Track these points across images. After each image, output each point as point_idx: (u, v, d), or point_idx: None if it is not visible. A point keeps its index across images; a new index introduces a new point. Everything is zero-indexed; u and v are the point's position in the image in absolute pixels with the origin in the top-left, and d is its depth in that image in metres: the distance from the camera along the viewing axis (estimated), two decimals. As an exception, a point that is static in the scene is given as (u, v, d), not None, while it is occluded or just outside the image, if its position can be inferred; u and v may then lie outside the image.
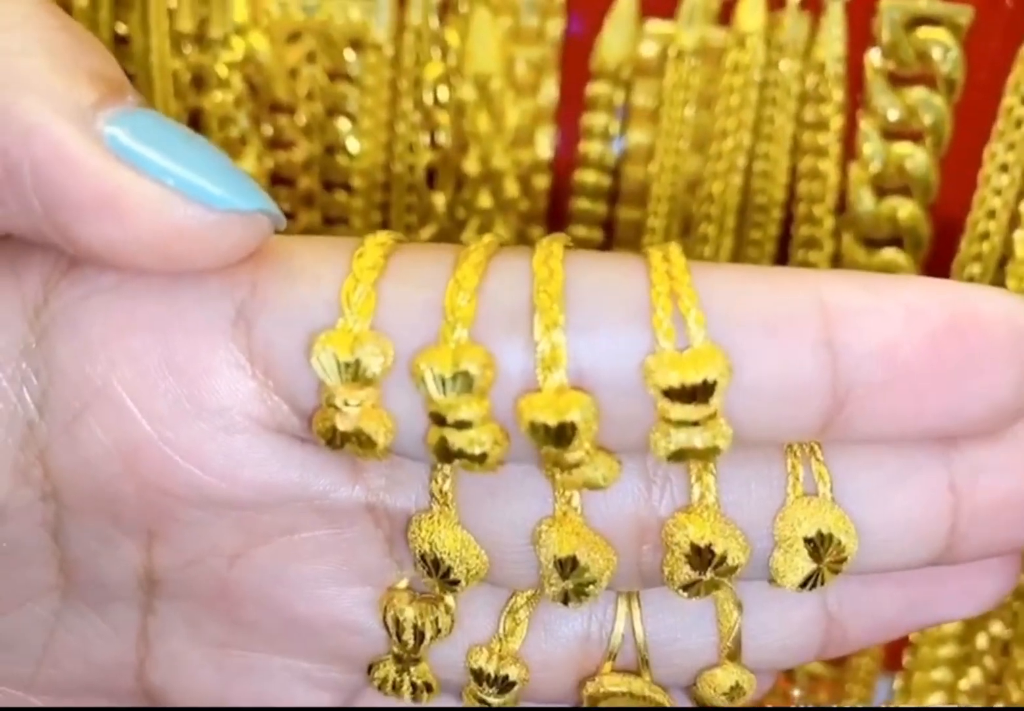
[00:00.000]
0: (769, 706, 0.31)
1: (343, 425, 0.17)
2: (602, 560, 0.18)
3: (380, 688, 0.20)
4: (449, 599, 0.19)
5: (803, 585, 0.18)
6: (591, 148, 0.26)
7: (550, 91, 0.25)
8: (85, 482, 0.18)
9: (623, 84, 0.25)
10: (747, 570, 0.18)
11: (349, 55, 0.26)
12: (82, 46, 0.17)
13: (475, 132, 0.26)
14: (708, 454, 0.17)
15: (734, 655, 0.20)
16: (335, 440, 0.17)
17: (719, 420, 0.16)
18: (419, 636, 0.19)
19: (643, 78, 0.25)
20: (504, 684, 0.20)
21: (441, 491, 0.18)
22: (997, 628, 0.29)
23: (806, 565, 0.18)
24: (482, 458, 0.17)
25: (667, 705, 0.20)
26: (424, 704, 0.20)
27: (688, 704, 0.21)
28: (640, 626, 0.20)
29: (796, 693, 0.31)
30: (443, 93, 0.26)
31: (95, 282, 0.18)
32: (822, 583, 0.18)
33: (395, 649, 0.19)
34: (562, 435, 0.16)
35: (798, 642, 0.20)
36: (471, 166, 0.26)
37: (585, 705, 0.20)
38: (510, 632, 0.19)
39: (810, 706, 0.31)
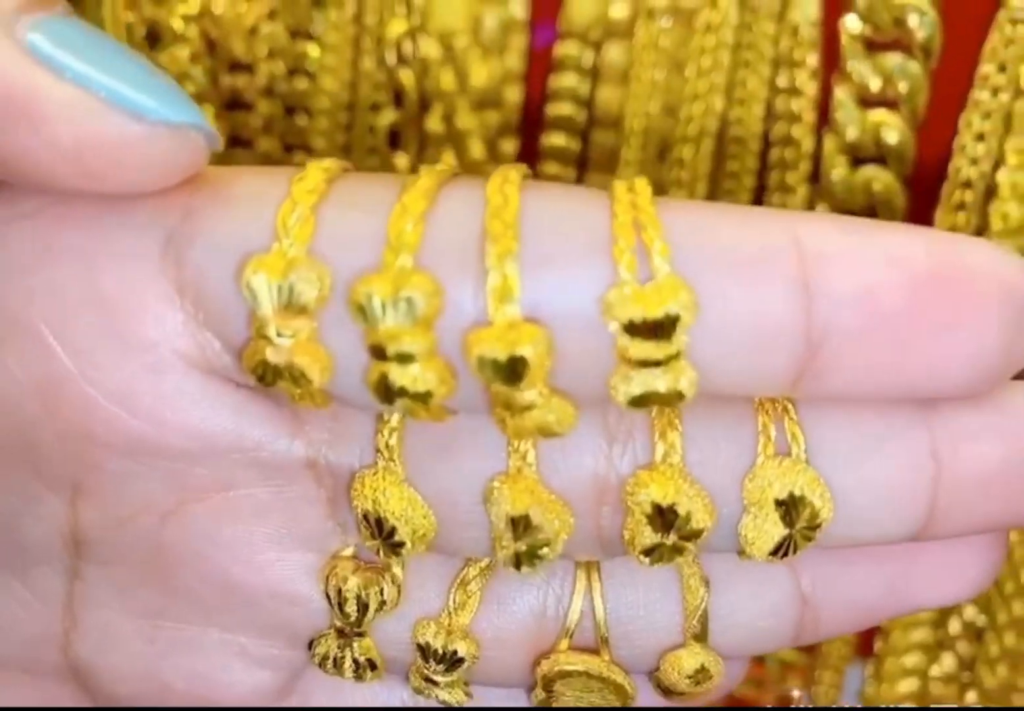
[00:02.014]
0: (769, 706, 0.31)
1: (275, 358, 0.16)
2: (557, 521, 0.17)
3: (321, 665, 0.19)
4: (396, 569, 0.18)
5: (774, 553, 0.17)
6: (559, 110, 0.25)
7: (518, 52, 0.25)
8: (2, 426, 0.17)
9: (592, 45, 0.25)
10: (715, 538, 0.17)
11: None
12: None
13: (439, 91, 0.25)
14: (671, 399, 0.16)
15: (700, 636, 0.19)
16: (266, 376, 0.16)
17: (683, 362, 0.15)
18: (363, 607, 0.18)
19: (613, 39, 0.25)
20: (452, 660, 0.19)
21: (387, 445, 0.17)
22: (970, 613, 0.29)
23: (777, 530, 0.17)
24: (426, 397, 0.15)
25: (627, 686, 0.19)
26: (368, 681, 0.19)
27: (652, 696, 0.20)
28: (600, 601, 0.19)
29: (796, 693, 0.30)
30: (407, 50, 0.25)
31: (15, 207, 0.17)
32: (794, 551, 0.18)
33: (337, 622, 0.18)
34: (513, 371, 0.15)
35: (770, 625, 0.19)
36: (434, 125, 0.25)
37: (539, 684, 0.19)
38: (460, 605, 0.18)
39: (810, 706, 0.30)
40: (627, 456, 0.17)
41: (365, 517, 0.18)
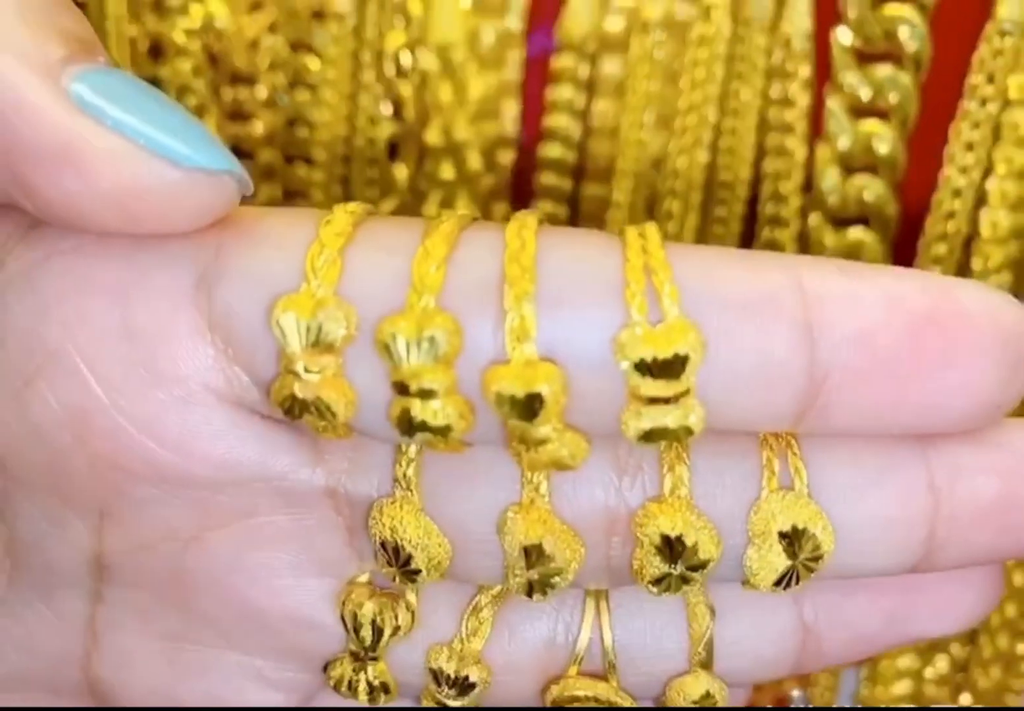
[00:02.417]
0: (769, 706, 0.31)
1: (302, 393, 0.16)
2: (569, 550, 0.18)
3: (336, 688, 0.19)
4: (411, 596, 0.19)
5: (778, 584, 0.18)
6: (556, 122, 0.26)
7: (515, 64, 0.25)
8: (34, 453, 0.17)
9: (588, 57, 0.25)
10: (721, 569, 0.18)
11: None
12: (55, 6, 0.16)
13: (437, 103, 0.25)
14: (680, 434, 0.16)
15: (706, 663, 0.19)
16: (293, 409, 0.16)
17: (692, 400, 0.16)
18: (377, 633, 0.19)
19: (609, 52, 0.25)
20: (464, 685, 0.19)
21: (405, 476, 0.18)
22: (963, 615, 0.29)
23: (780, 561, 0.18)
24: (446, 431, 0.16)
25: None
26: (382, 705, 0.20)
27: None
28: (608, 629, 0.19)
29: (795, 693, 0.30)
30: (406, 62, 0.25)
31: (55, 244, 0.17)
32: (797, 582, 0.18)
33: (352, 646, 0.19)
34: (529, 407, 0.16)
35: (772, 653, 0.19)
36: (433, 137, 0.26)
37: (548, 707, 0.19)
38: (473, 632, 0.19)
39: (810, 706, 0.30)
40: (636, 489, 0.18)
41: (383, 545, 0.18)
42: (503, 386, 0.16)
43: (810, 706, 0.31)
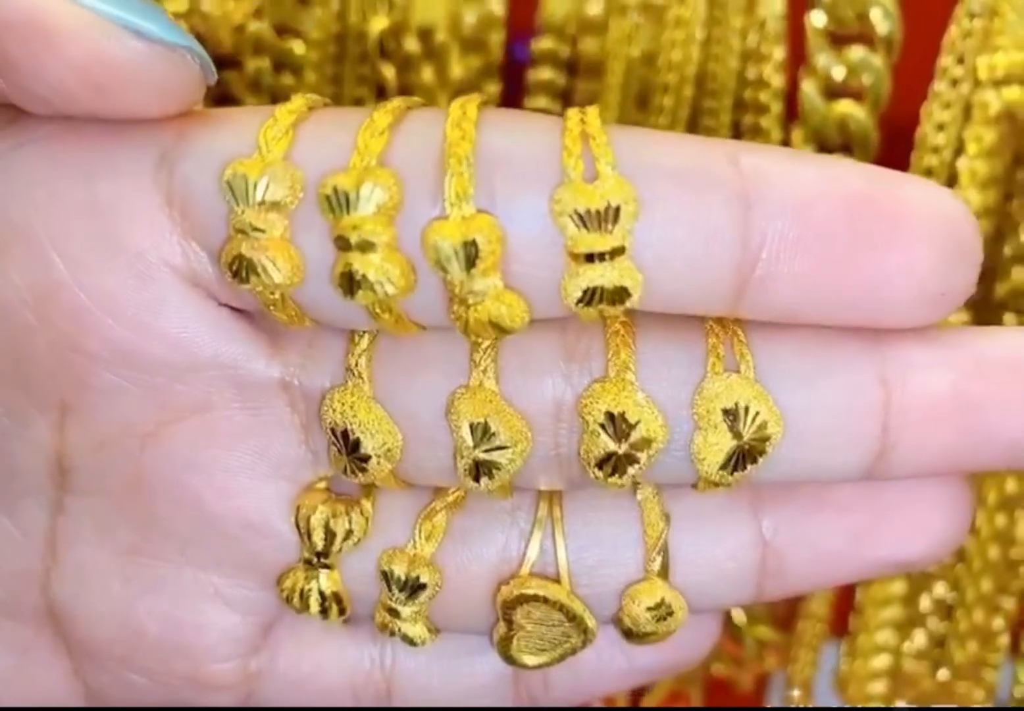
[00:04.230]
0: (769, 706, 0.32)
1: (249, 252, 0.17)
2: (515, 430, 0.18)
3: (288, 600, 0.19)
4: (366, 503, 0.19)
5: (724, 466, 0.18)
6: (538, 102, 0.26)
7: (496, 47, 0.26)
8: None
9: (568, 40, 0.25)
10: (668, 459, 0.18)
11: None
12: None
13: (420, 85, 0.26)
14: (618, 295, 0.17)
15: (661, 573, 0.19)
16: (241, 271, 0.17)
17: (627, 262, 0.16)
18: (330, 536, 0.19)
19: (588, 34, 0.25)
20: (415, 587, 0.19)
21: (356, 365, 0.18)
22: (940, 590, 0.29)
23: (726, 441, 0.18)
24: (388, 291, 0.16)
25: (587, 619, 0.19)
26: (333, 621, 0.20)
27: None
28: (561, 536, 0.19)
29: (795, 693, 0.31)
30: (389, 46, 0.26)
31: (29, 133, 0.18)
32: (744, 465, 0.18)
33: (305, 553, 0.19)
34: (466, 256, 0.16)
35: (732, 567, 0.19)
36: (415, 118, 0.26)
37: (500, 614, 0.19)
38: (426, 537, 0.19)
39: (810, 706, 0.30)
40: (584, 376, 0.18)
41: (332, 431, 0.18)
42: (441, 236, 0.16)
43: (809, 707, 0.31)
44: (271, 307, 0.18)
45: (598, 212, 0.16)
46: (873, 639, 0.30)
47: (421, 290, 0.17)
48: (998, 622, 0.29)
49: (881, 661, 0.30)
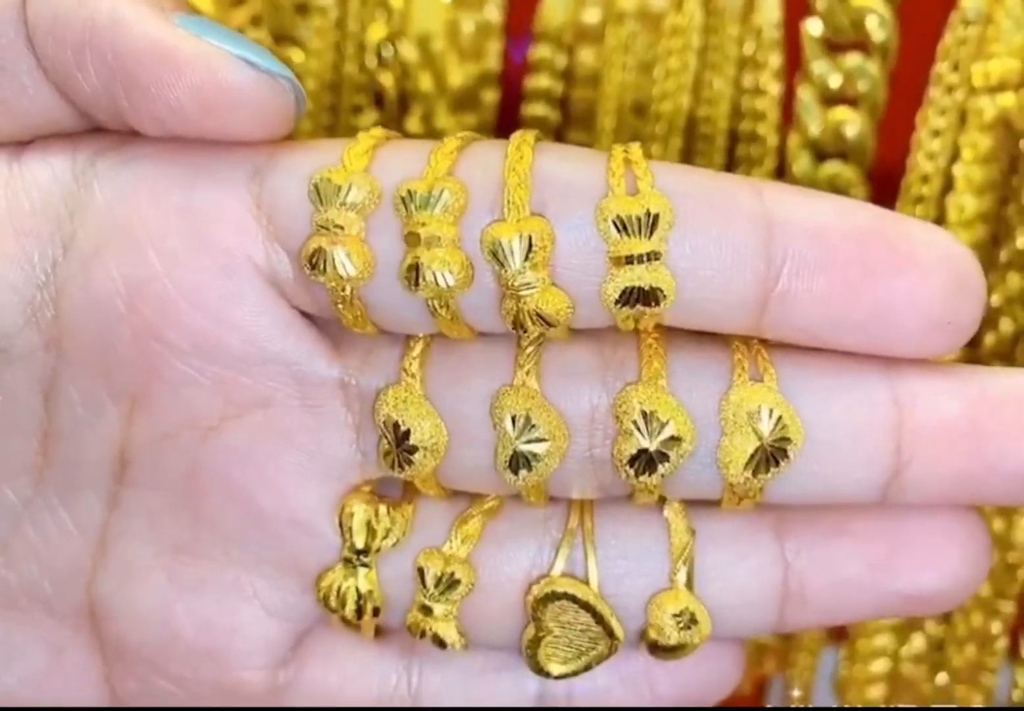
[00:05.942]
0: (769, 706, 0.32)
1: (327, 245, 0.19)
2: (554, 425, 0.19)
3: (325, 600, 0.20)
4: (406, 506, 0.20)
5: (747, 466, 0.19)
6: (535, 111, 0.26)
7: (494, 55, 0.26)
8: (88, 326, 0.19)
9: (565, 48, 0.26)
10: (695, 466, 0.19)
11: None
12: None
13: (418, 92, 0.26)
14: (653, 296, 0.18)
15: (687, 584, 0.20)
16: (319, 262, 0.19)
17: (663, 268, 0.18)
18: (371, 534, 0.20)
19: (585, 42, 0.25)
20: (450, 583, 0.20)
21: (409, 367, 0.20)
22: (938, 594, 0.29)
23: (749, 442, 0.19)
24: (449, 282, 0.18)
25: (614, 623, 0.20)
26: (365, 622, 0.20)
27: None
28: (591, 543, 0.20)
29: (796, 693, 0.31)
30: (387, 54, 0.26)
31: (138, 149, 0.20)
32: (767, 469, 0.19)
33: (345, 551, 0.20)
34: (521, 250, 0.18)
35: (755, 586, 0.20)
36: (414, 126, 0.26)
37: (529, 613, 0.20)
38: (462, 540, 0.20)
39: (810, 706, 0.31)
40: (618, 383, 0.19)
41: (384, 424, 0.20)
42: (499, 232, 0.18)
43: (809, 707, 0.31)
44: (339, 304, 0.19)
45: (638, 218, 0.18)
46: (871, 643, 0.30)
47: (476, 288, 0.19)
48: (996, 626, 0.29)
49: (880, 665, 0.30)
